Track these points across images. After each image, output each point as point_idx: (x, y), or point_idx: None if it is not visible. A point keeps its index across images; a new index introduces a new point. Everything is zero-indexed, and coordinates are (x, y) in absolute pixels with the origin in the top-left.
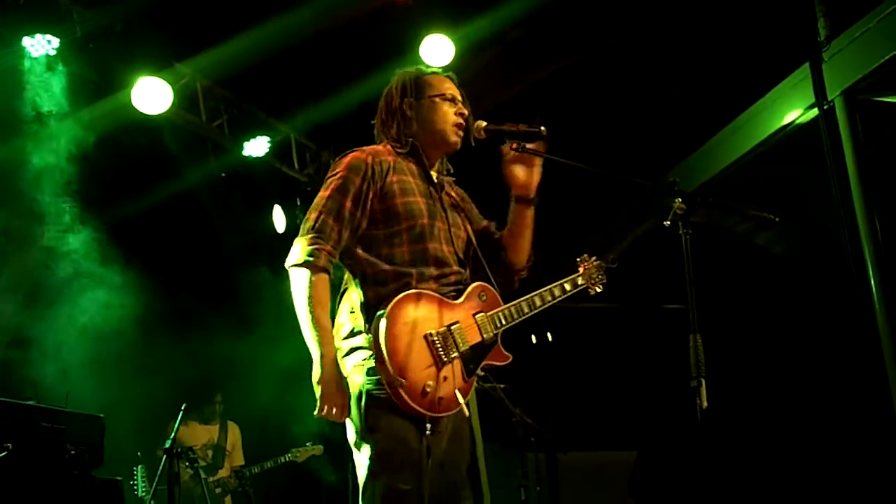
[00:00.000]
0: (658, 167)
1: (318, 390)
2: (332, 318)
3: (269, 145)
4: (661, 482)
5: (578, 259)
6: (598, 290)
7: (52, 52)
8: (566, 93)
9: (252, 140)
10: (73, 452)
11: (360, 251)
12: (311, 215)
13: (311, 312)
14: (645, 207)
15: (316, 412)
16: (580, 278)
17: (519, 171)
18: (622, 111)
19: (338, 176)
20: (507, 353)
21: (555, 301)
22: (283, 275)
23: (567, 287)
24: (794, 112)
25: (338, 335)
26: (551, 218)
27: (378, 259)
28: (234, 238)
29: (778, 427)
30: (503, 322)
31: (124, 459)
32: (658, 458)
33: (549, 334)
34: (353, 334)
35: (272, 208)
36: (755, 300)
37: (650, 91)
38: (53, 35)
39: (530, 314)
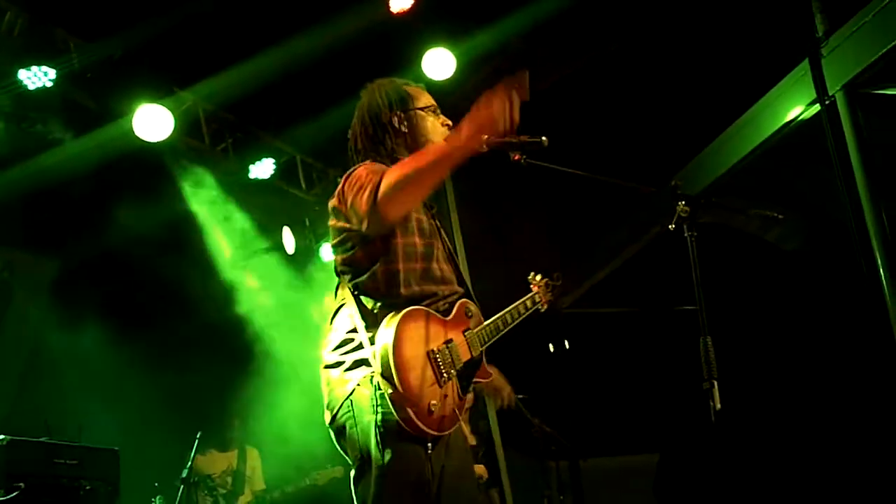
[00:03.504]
0: (665, 170)
1: (474, 127)
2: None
3: (274, 167)
4: (684, 484)
5: (529, 278)
6: (546, 307)
7: (49, 84)
8: (568, 101)
9: (258, 162)
10: (88, 488)
11: (371, 265)
12: (360, 184)
13: (423, 159)
14: (653, 212)
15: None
16: (536, 296)
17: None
18: (625, 117)
19: (366, 172)
20: (489, 370)
21: (520, 318)
22: (297, 289)
23: (528, 304)
24: (797, 109)
25: (340, 349)
26: (563, 226)
27: (390, 276)
28: (244, 262)
29: (793, 426)
30: (487, 339)
31: (142, 492)
32: (680, 460)
33: (566, 342)
34: (358, 348)
35: (281, 230)
36: (770, 298)
37: (652, 95)
38: (50, 66)
39: (505, 331)
